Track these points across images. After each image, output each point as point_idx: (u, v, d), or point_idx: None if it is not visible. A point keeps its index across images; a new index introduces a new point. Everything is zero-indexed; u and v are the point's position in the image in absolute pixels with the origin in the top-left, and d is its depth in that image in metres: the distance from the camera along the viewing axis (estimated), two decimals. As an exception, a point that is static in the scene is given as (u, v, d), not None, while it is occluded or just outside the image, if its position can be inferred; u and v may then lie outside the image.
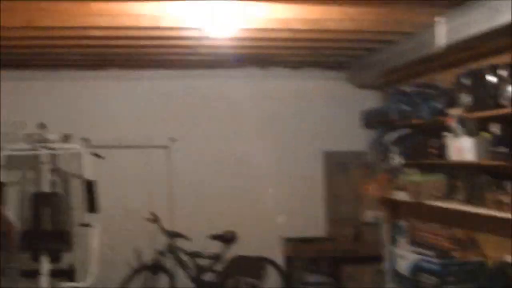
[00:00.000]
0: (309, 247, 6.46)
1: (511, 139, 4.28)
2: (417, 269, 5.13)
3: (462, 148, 4.69)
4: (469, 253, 5.09)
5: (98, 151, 5.82)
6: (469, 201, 4.84)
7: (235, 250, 6.14)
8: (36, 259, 5.50)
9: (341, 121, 6.75)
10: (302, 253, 6.40)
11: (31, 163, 5.92)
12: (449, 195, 5.18)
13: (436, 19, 4.52)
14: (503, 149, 4.28)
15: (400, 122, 5.74)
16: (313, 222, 6.73)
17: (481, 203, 4.61)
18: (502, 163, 4.31)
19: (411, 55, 5.16)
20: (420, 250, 5.35)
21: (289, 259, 6.48)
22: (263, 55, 6.00)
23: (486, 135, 4.57)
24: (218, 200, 6.58)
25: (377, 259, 6.14)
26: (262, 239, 6.44)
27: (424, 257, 5.15)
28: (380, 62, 5.80)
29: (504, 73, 4.29)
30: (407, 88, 5.69)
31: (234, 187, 6.66)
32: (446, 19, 4.45)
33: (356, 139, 6.58)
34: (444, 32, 4.49)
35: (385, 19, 4.52)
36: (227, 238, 6.12)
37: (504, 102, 4.23)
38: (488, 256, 4.95)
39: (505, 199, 4.30)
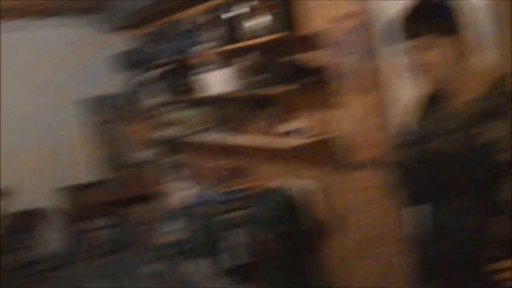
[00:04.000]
0: (88, 194, 6.34)
1: (263, 68, 4.37)
2: (198, 201, 5.28)
3: (219, 81, 4.83)
4: (243, 181, 5.22)
5: None
6: (235, 131, 4.97)
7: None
8: None
9: (98, 67, 6.48)
10: (82, 200, 6.25)
11: None
12: (216, 128, 5.28)
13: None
14: (259, 78, 4.38)
15: (155, 62, 5.75)
16: (86, 169, 6.66)
17: (246, 132, 4.79)
18: (259, 91, 4.43)
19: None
20: (197, 183, 5.51)
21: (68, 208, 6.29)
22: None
23: (240, 66, 4.66)
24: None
25: (151, 198, 6.25)
26: (38, 191, 6.17)
27: (204, 189, 5.31)
28: (129, 3, 5.73)
29: (242, 9, 4.41)
30: (158, 28, 5.70)
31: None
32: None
33: (117, 83, 6.55)
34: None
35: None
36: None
37: (244, 35, 4.40)
38: (259, 183, 5.14)
39: (267, 127, 4.50)
